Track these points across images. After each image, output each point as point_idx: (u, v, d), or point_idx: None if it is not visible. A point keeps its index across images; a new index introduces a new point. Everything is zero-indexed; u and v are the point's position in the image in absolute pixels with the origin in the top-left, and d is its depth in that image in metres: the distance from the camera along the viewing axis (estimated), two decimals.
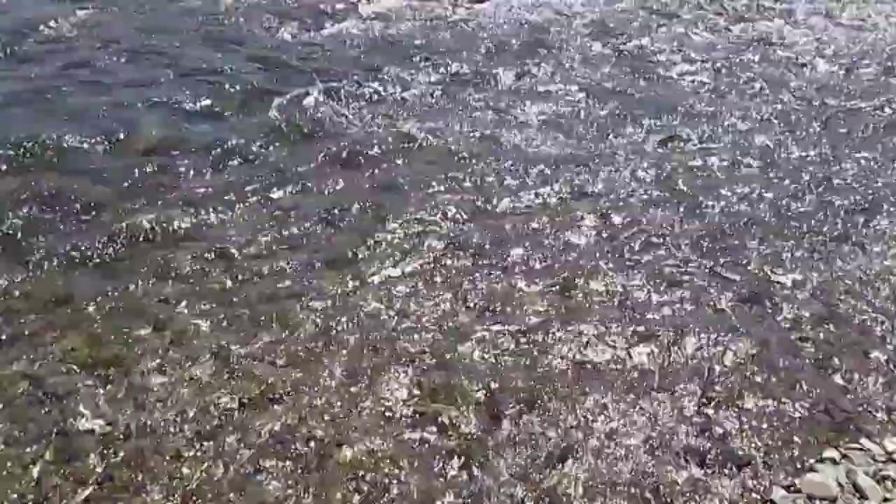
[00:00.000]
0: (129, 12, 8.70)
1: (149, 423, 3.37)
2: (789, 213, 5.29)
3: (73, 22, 8.20)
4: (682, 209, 5.28)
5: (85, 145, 5.68)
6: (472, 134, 6.26)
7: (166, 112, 6.33)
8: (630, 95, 7.21)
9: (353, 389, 3.62)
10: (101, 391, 3.53)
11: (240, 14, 8.87)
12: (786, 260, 4.77)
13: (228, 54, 7.67)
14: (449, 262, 4.61)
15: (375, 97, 6.89)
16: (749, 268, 4.68)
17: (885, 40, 8.89)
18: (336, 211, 5.05)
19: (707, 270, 4.64)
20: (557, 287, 4.42)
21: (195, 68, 7.26)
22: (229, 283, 4.32)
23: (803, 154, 6.17)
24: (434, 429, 3.43)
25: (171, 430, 3.34)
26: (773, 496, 3.17)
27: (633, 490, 3.18)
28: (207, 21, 8.61)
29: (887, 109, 7.04)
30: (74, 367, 3.66)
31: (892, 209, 5.35)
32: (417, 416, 3.49)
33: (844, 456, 3.38)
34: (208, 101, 6.53)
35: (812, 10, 9.80)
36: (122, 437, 3.29)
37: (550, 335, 4.04)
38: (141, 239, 4.67)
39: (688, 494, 3.17)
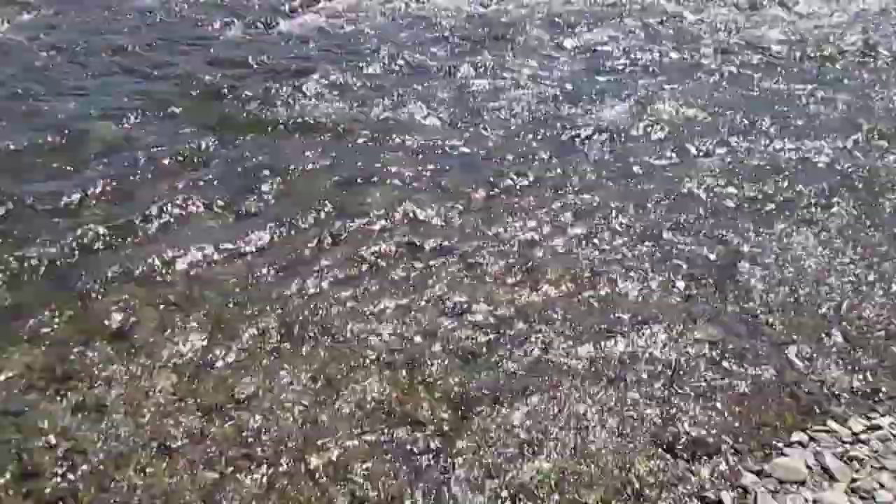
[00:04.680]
0: (77, 15, 8.48)
1: (111, 436, 3.28)
2: (750, 200, 5.36)
3: (19, 25, 7.97)
4: (641, 198, 5.32)
5: (36, 150, 5.53)
6: (432, 127, 6.23)
7: (119, 114, 6.18)
8: (584, 84, 7.24)
9: (321, 392, 3.56)
10: (61, 406, 3.41)
11: (192, 13, 8.70)
12: (746, 246, 4.81)
13: (181, 54, 7.53)
14: (416, 257, 4.57)
15: (333, 92, 6.81)
16: (711, 256, 4.71)
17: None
18: (299, 209, 4.96)
19: (669, 259, 4.67)
20: (524, 281, 4.41)
21: (147, 69, 7.12)
22: (191, 289, 4.22)
23: (757, 141, 6.25)
24: (405, 428, 3.39)
25: (135, 442, 3.25)
26: (744, 481, 3.19)
27: (604, 482, 3.17)
28: (158, 21, 8.45)
29: (847, 95, 7.15)
30: (31, 381, 3.54)
31: (847, 193, 5.45)
32: (388, 415, 3.45)
33: (812, 438, 3.42)
34: (162, 102, 6.40)
35: None
36: (83, 452, 3.20)
37: (518, 329, 4.03)
38: (97, 246, 4.54)
39: (659, 484, 3.18)
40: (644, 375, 3.74)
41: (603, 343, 3.94)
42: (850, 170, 5.79)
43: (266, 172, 5.42)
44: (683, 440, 3.38)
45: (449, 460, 3.23)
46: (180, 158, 5.53)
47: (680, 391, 3.66)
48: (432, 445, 3.31)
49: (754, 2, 9.76)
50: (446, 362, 3.78)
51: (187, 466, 3.15)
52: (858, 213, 5.20)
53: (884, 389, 3.73)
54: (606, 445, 3.34)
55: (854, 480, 3.18)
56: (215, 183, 5.26)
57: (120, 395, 3.49)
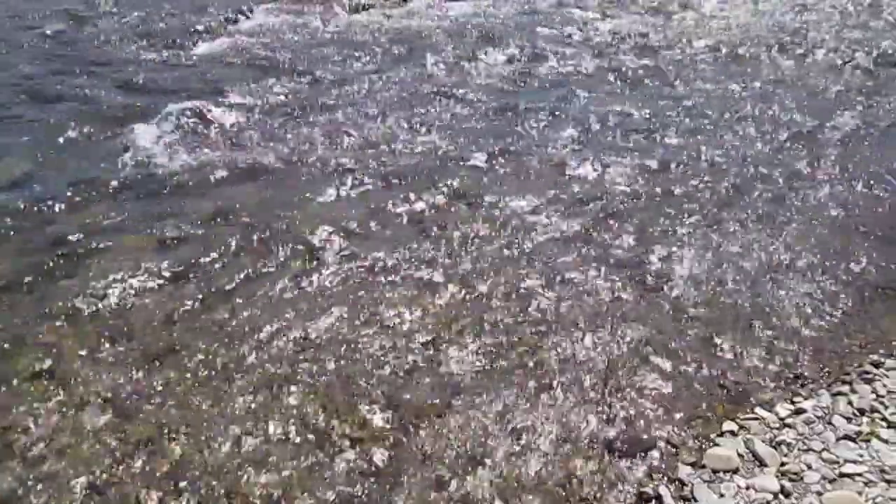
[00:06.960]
0: None
1: (37, 479, 3.14)
2: (667, 198, 5.52)
3: None
4: (566, 201, 5.41)
5: None
6: (352, 144, 6.20)
7: (30, 143, 5.94)
8: (506, 95, 7.35)
9: (254, 418, 3.49)
10: None
11: (105, 36, 8.47)
12: (668, 245, 4.95)
13: (93, 78, 7.30)
14: (348, 275, 4.53)
15: (251, 112, 6.72)
16: (635, 256, 4.83)
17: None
18: (221, 235, 4.86)
19: (597, 262, 4.76)
20: (453, 291, 4.43)
21: (58, 95, 6.87)
22: (114, 321, 4.08)
23: (677, 137, 6.45)
24: (342, 450, 3.35)
25: (63, 484, 3.12)
26: (680, 474, 3.27)
27: (545, 486, 3.20)
28: (69, 45, 8.18)
29: (753, 84, 7.46)
30: None
31: (762, 186, 5.67)
32: (323, 438, 3.40)
33: (742, 427, 3.54)
34: (75, 129, 6.18)
35: None
36: (8, 499, 3.05)
37: (450, 341, 4.03)
38: (9, 283, 4.34)
39: (598, 483, 3.23)
40: (578, 378, 3.79)
41: (538, 348, 3.99)
42: (763, 162, 6.03)
43: (186, 197, 5.29)
44: (620, 439, 3.44)
45: (390, 479, 3.21)
46: (94, 186, 5.34)
47: (614, 391, 3.73)
48: (371, 465, 3.28)
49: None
50: (380, 380, 3.75)
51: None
52: (774, 204, 5.41)
53: (806, 374, 3.89)
54: (546, 450, 3.38)
55: (783, 464, 3.30)
56: (133, 211, 5.10)
57: (45, 435, 3.34)
